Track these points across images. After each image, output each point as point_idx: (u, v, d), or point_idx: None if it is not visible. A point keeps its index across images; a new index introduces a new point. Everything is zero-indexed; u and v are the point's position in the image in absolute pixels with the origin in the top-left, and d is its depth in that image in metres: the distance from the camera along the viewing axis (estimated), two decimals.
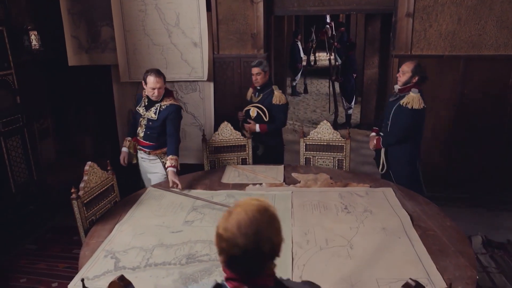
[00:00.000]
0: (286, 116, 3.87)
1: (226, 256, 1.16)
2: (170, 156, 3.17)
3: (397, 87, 3.35)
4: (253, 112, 3.77)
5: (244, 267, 1.16)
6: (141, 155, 3.49)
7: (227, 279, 1.20)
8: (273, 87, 3.82)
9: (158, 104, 3.28)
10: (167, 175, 3.21)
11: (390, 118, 3.34)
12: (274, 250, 1.17)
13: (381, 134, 3.52)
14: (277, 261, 1.20)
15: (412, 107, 3.18)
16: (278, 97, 3.74)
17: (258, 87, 3.81)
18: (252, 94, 3.91)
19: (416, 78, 3.24)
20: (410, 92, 3.23)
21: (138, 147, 3.47)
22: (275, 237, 1.16)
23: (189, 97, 4.66)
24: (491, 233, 3.75)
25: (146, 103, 3.34)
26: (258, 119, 3.74)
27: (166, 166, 3.19)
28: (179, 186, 3.01)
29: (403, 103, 3.22)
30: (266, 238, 1.14)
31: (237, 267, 1.17)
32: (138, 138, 3.41)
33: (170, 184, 3.04)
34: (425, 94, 4.10)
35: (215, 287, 1.21)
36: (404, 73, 3.27)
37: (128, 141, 3.53)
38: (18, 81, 4.10)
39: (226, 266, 1.19)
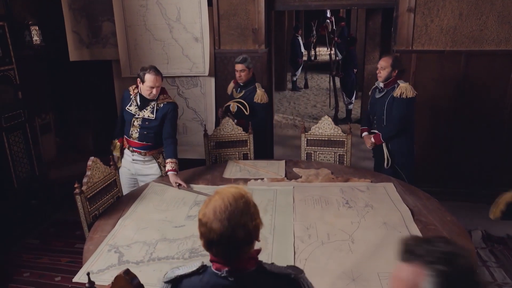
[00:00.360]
0: (266, 115, 3.91)
1: (205, 240, 1.23)
2: (169, 160, 3.09)
3: (379, 83, 3.40)
4: (233, 107, 3.75)
5: (221, 251, 1.23)
6: (133, 157, 3.26)
7: (211, 261, 1.28)
8: (256, 84, 3.81)
9: (154, 103, 3.13)
10: (163, 175, 3.22)
11: (385, 113, 3.37)
12: (250, 235, 1.22)
13: (374, 131, 3.53)
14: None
15: (406, 96, 3.24)
16: (260, 95, 3.74)
17: (241, 84, 3.79)
18: (234, 89, 3.89)
19: (396, 72, 3.31)
20: (400, 83, 3.29)
21: (131, 148, 3.24)
22: (250, 223, 1.21)
23: (190, 92, 4.66)
24: (490, 227, 3.77)
25: (139, 102, 3.15)
26: (238, 114, 3.74)
27: (166, 170, 3.09)
28: (184, 185, 2.97)
29: (396, 95, 3.26)
30: (240, 224, 1.19)
31: (215, 250, 1.23)
32: (131, 139, 3.20)
33: (174, 186, 2.99)
34: (426, 89, 4.14)
35: (200, 267, 1.29)
36: (384, 68, 3.31)
37: (113, 147, 3.33)
38: (20, 76, 4.11)
39: (206, 249, 1.26)
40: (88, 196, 2.60)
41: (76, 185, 2.52)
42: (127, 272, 1.42)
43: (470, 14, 3.95)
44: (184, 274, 1.31)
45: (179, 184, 2.97)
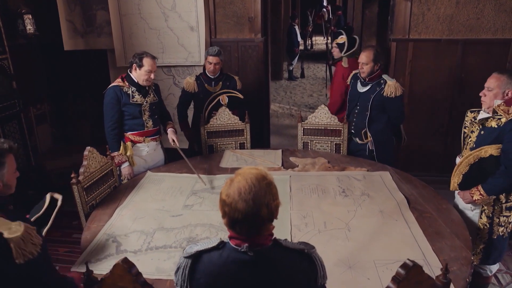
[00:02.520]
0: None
1: (229, 219, 1.28)
2: (169, 122, 3.47)
3: (364, 76, 3.35)
4: (224, 99, 3.68)
5: (244, 228, 1.28)
6: (148, 148, 3.29)
7: (230, 237, 1.34)
8: (227, 73, 3.82)
9: (151, 85, 3.22)
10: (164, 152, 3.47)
11: (369, 110, 3.33)
12: (272, 213, 1.29)
13: (353, 123, 3.49)
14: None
15: (397, 94, 3.22)
16: (239, 82, 3.78)
17: (211, 76, 3.67)
18: (206, 85, 3.68)
19: (379, 65, 3.28)
20: (387, 81, 3.25)
21: (147, 139, 3.26)
22: (272, 202, 1.28)
23: None
24: None
25: (139, 91, 3.14)
26: (229, 105, 3.68)
27: (167, 128, 3.39)
28: (176, 143, 3.25)
29: (387, 94, 3.23)
30: (264, 203, 1.25)
31: (238, 228, 1.29)
32: (146, 129, 3.22)
33: (170, 141, 3.29)
34: (422, 77, 4.14)
35: (219, 243, 1.36)
36: (366, 63, 3.26)
37: (122, 150, 3.14)
38: (14, 65, 4.06)
39: (228, 227, 1.31)
40: (85, 186, 2.60)
41: (72, 175, 2.52)
42: (125, 261, 1.42)
43: (466, 3, 3.93)
44: (204, 249, 1.36)
45: (173, 141, 3.28)
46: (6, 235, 1.52)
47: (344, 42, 4.03)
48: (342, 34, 4.08)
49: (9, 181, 1.72)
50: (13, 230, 1.54)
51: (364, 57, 3.25)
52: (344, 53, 4.04)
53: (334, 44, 4.17)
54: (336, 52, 4.15)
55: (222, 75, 3.73)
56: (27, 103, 4.47)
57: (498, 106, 2.35)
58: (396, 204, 2.55)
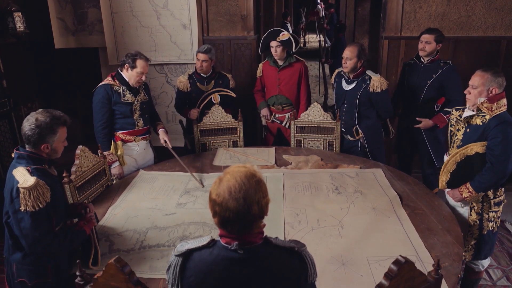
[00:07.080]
0: None
1: (220, 218, 1.28)
2: (159, 122, 3.44)
3: (345, 73, 3.36)
4: (216, 98, 3.68)
5: (236, 227, 1.28)
6: (138, 147, 3.28)
7: (221, 236, 1.34)
8: (220, 71, 3.81)
9: (141, 85, 3.20)
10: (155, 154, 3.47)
11: (357, 106, 3.35)
12: (262, 211, 1.29)
13: (343, 121, 3.51)
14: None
15: (383, 89, 3.26)
16: (232, 81, 3.78)
17: (203, 75, 3.68)
18: (198, 84, 3.70)
19: (362, 62, 3.29)
20: (371, 76, 3.28)
21: (138, 138, 3.24)
22: (262, 200, 1.28)
23: None
24: None
25: (130, 90, 3.12)
26: (222, 103, 3.67)
27: (158, 129, 3.35)
28: (168, 143, 3.23)
29: (372, 90, 3.26)
30: (255, 201, 1.25)
31: (229, 227, 1.29)
32: (137, 128, 3.21)
33: (162, 142, 3.27)
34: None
35: (210, 242, 1.36)
36: (350, 58, 3.26)
37: (112, 150, 3.14)
38: (4, 64, 4.01)
39: (219, 226, 1.31)
40: (77, 185, 2.58)
41: (64, 174, 2.50)
42: (118, 260, 1.42)
43: (458, 0, 3.96)
44: (194, 248, 1.35)
45: (165, 141, 3.27)
46: (19, 184, 1.83)
47: (289, 39, 3.65)
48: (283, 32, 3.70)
49: (56, 148, 2.03)
50: (26, 181, 1.82)
51: (349, 52, 3.26)
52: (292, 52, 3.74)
53: (275, 43, 3.65)
54: (279, 51, 3.66)
55: (215, 73, 3.73)
56: (17, 102, 4.42)
57: (482, 103, 2.39)
58: (389, 201, 2.56)
